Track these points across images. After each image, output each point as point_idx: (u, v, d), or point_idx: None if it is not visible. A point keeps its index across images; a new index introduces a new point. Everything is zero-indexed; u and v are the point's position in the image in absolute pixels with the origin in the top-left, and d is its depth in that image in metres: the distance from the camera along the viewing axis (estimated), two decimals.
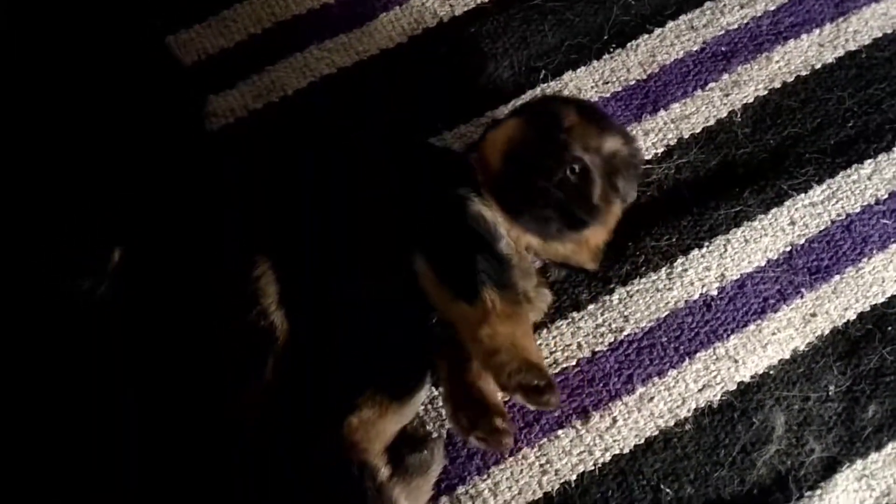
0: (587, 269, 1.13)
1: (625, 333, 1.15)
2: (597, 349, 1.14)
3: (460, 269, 0.98)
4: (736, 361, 1.13)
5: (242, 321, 1.02)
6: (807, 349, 1.14)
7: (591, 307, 1.16)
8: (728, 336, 1.14)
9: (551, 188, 1.01)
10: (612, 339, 1.14)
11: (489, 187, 1.05)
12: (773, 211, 1.20)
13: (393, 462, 1.06)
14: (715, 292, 1.16)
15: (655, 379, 1.13)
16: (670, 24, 1.32)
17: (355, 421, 1.03)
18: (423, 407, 1.12)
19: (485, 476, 1.09)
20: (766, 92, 1.28)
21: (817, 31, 1.32)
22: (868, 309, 1.16)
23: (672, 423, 1.11)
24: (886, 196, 1.21)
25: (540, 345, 1.14)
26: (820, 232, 1.20)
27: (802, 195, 1.21)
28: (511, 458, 1.10)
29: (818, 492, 1.08)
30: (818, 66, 1.30)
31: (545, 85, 1.29)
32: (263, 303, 1.03)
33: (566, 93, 1.28)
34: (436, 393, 1.12)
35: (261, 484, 1.02)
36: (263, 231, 1.06)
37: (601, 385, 1.12)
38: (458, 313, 0.97)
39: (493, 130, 1.11)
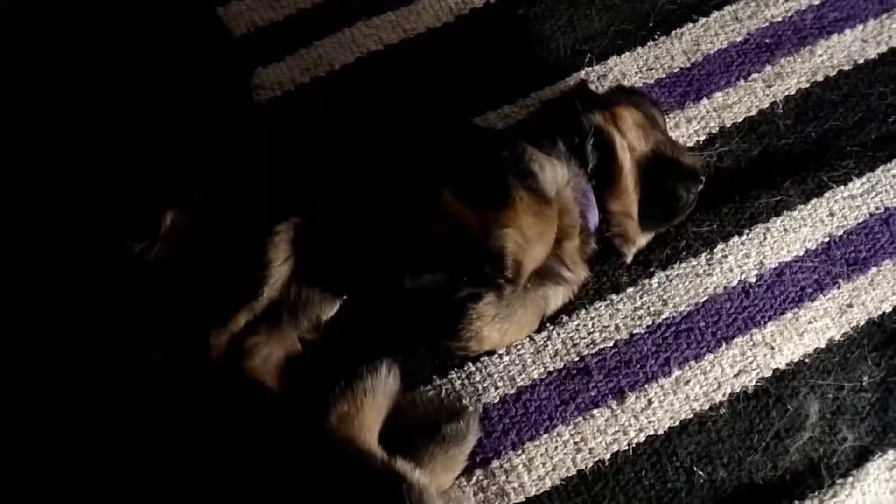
0: (625, 258, 1.15)
1: (663, 317, 1.16)
2: (635, 331, 1.15)
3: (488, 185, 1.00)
4: (772, 348, 1.14)
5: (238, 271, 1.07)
6: (842, 339, 1.15)
7: (630, 290, 1.17)
8: (765, 323, 1.15)
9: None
10: (651, 322, 1.15)
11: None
12: (813, 202, 1.21)
13: (428, 433, 1.08)
14: (753, 279, 1.17)
15: (692, 363, 1.14)
16: (715, 14, 1.33)
17: (334, 418, 1.05)
18: (459, 381, 1.13)
19: (519, 451, 1.10)
20: (808, 85, 1.29)
21: (861, 26, 1.32)
22: None
23: (707, 407, 1.12)
24: None
25: (578, 325, 1.16)
26: (858, 224, 1.21)
27: (842, 187, 1.22)
28: (546, 435, 1.11)
29: (850, 479, 1.09)
30: (861, 61, 1.30)
31: (590, 69, 1.29)
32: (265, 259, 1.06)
33: (610, 77, 1.29)
34: (472, 368, 1.14)
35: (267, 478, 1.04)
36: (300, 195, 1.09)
37: (638, 367, 1.14)
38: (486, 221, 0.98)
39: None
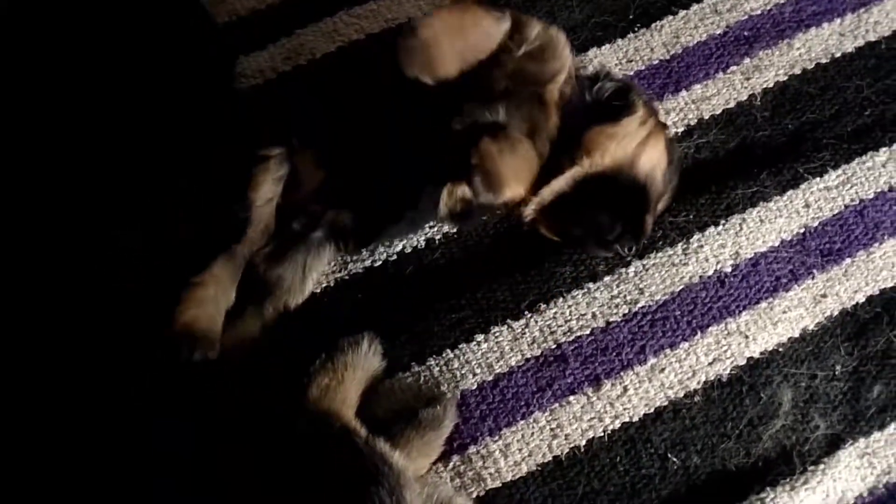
0: None
1: (639, 305, 1.17)
2: (611, 319, 1.16)
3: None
4: (746, 337, 1.16)
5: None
6: (816, 329, 1.17)
7: (607, 278, 1.18)
8: (740, 312, 1.17)
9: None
10: (627, 311, 1.17)
11: None
12: (789, 193, 1.22)
13: (405, 419, 1.09)
14: (729, 269, 1.19)
15: (667, 351, 1.15)
16: (695, 6, 1.34)
17: (315, 390, 1.06)
18: (437, 368, 1.14)
19: (496, 437, 1.11)
20: (786, 77, 1.30)
21: (838, 20, 1.33)
22: (877, 293, 1.18)
23: (682, 395, 1.13)
24: None
25: (555, 313, 1.17)
26: (833, 216, 1.22)
27: (818, 179, 1.23)
28: (522, 422, 1.12)
29: (821, 467, 1.10)
30: (838, 54, 1.31)
31: None
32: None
33: (590, 69, 1.29)
34: (451, 355, 1.15)
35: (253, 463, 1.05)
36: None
37: (614, 354, 1.15)
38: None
39: None
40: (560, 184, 1.07)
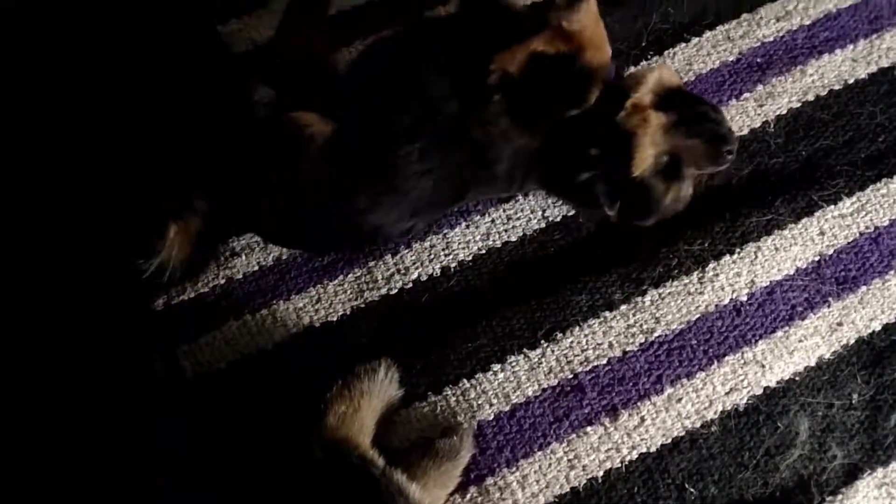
0: None
1: (655, 335, 1.17)
2: (628, 349, 1.17)
3: None
4: (763, 366, 1.16)
5: None
6: (832, 357, 1.17)
7: (623, 307, 1.18)
8: (756, 341, 1.17)
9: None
10: (643, 340, 1.17)
11: None
12: (804, 221, 1.23)
13: (422, 449, 1.09)
14: (745, 298, 1.19)
15: (684, 380, 1.15)
16: (707, 34, 1.34)
17: (332, 418, 1.06)
18: (454, 398, 1.14)
19: (513, 468, 1.12)
20: (799, 104, 1.30)
21: (851, 46, 1.34)
22: (893, 321, 1.19)
23: (699, 425, 1.13)
24: None
25: (572, 342, 1.17)
26: (848, 243, 1.22)
27: (832, 206, 1.24)
28: (539, 452, 1.12)
29: (839, 497, 1.10)
30: (851, 80, 1.32)
31: None
32: None
33: None
34: (467, 385, 1.15)
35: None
36: None
37: (631, 384, 1.15)
38: None
39: None
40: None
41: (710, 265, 1.20)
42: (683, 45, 1.34)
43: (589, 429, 1.13)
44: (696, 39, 1.34)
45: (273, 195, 1.11)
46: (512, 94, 1.08)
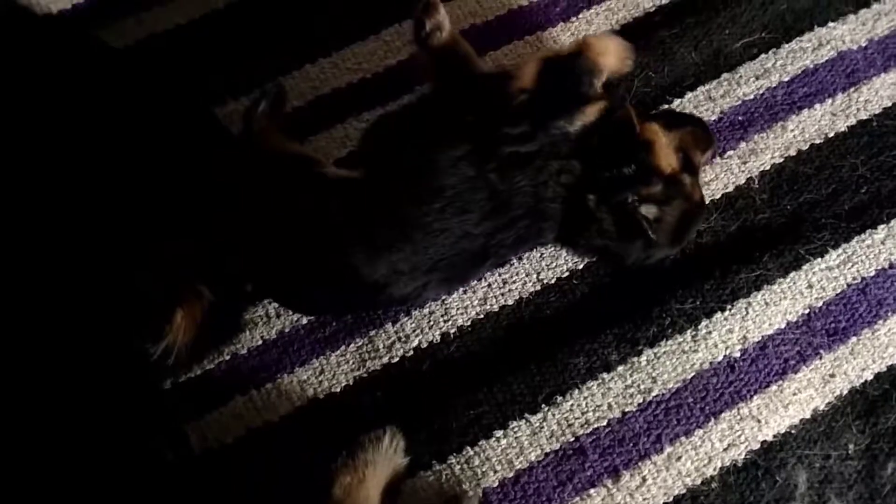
0: None
1: (653, 394, 1.20)
2: (626, 409, 1.19)
3: None
4: (759, 421, 1.18)
5: None
6: (826, 409, 1.19)
7: (620, 368, 1.21)
8: (751, 396, 1.19)
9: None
10: (641, 400, 1.19)
11: None
12: (792, 275, 1.26)
13: None
14: (738, 354, 1.22)
15: (683, 438, 1.17)
16: (689, 94, 1.38)
17: (338, 490, 1.07)
18: (458, 466, 1.17)
19: None
20: (782, 159, 1.34)
21: (830, 100, 1.38)
22: (885, 369, 1.21)
23: (699, 482, 1.16)
24: None
25: (572, 405, 1.19)
26: (837, 295, 1.25)
27: (819, 259, 1.27)
28: None
29: None
30: (831, 134, 1.36)
31: None
32: None
33: None
34: (471, 452, 1.17)
35: None
36: None
37: (631, 445, 1.17)
38: None
39: None
40: None
41: (703, 323, 1.23)
42: (665, 106, 1.38)
43: (592, 491, 1.15)
44: (678, 101, 1.38)
45: (288, 250, 1.15)
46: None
